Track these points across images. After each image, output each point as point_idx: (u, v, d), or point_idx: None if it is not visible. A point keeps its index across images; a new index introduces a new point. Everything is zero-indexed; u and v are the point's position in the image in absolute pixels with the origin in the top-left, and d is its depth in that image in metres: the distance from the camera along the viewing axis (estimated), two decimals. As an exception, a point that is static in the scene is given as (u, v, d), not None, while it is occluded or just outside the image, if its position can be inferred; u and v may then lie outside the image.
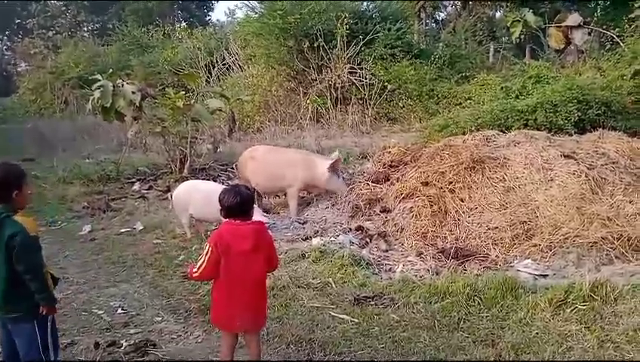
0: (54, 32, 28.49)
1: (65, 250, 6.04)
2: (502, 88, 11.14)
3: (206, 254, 3.04)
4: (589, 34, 16.09)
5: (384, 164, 7.48)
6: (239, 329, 3.20)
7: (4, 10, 36.29)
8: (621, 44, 13.59)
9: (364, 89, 12.67)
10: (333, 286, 4.71)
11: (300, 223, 6.62)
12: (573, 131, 8.34)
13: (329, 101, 12.80)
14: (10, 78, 27.28)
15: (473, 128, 8.59)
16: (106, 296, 4.79)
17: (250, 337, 3.25)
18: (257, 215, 6.03)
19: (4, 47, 39.01)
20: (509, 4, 19.00)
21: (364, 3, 15.04)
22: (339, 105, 12.92)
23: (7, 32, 38.15)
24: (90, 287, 4.99)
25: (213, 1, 40.85)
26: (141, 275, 5.29)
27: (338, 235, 6.00)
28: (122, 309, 4.50)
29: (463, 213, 5.84)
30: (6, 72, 32.85)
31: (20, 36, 33.21)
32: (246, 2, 14.70)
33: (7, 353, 2.92)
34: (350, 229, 6.15)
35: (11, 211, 2.75)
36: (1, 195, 2.75)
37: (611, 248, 5.02)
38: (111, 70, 10.04)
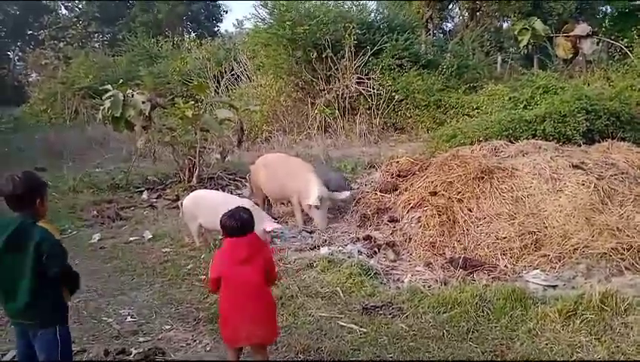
0: (65, 43, 28.74)
1: (75, 259, 6.05)
2: (510, 98, 11.12)
3: (210, 269, 3.23)
4: (598, 44, 16.07)
5: (392, 174, 7.50)
6: (246, 341, 3.22)
7: (16, 21, 36.84)
8: (630, 54, 13.57)
9: (371, 99, 12.70)
10: (342, 295, 4.72)
11: (307, 232, 6.63)
12: (581, 141, 8.32)
13: (337, 111, 12.84)
14: (22, 88, 27.55)
15: (481, 138, 8.59)
16: (115, 304, 4.82)
17: (257, 349, 3.27)
18: (268, 223, 6.09)
19: (16, 57, 39.51)
20: (516, 14, 19.02)
21: (372, 14, 15.11)
22: (347, 115, 12.95)
23: (19, 43, 38.64)
24: (100, 295, 5.03)
25: (223, 2, 40.75)
26: (150, 284, 5.32)
27: (346, 245, 6.02)
28: (131, 317, 4.53)
29: (472, 223, 5.83)
30: (17, 82, 33.19)
31: (31, 47, 33.61)
32: (255, 9, 14.71)
33: (22, 359, 2.95)
34: (358, 239, 6.16)
35: (34, 219, 2.79)
36: (25, 204, 2.79)
37: (621, 259, 4.99)
38: (121, 80, 10.15)
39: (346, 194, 7.05)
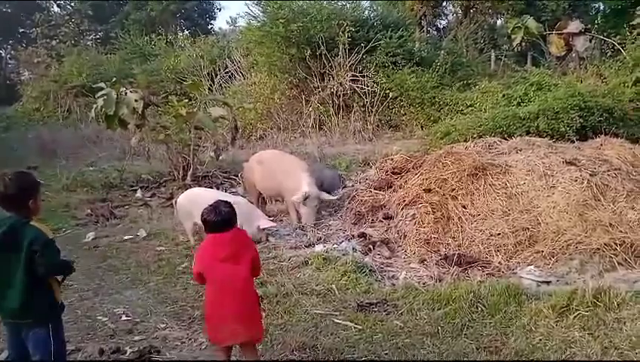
0: (58, 40, 28.60)
1: (69, 258, 6.03)
2: (503, 95, 11.16)
3: (194, 264, 3.22)
4: (590, 41, 16.13)
5: (386, 171, 7.51)
6: (231, 340, 3.19)
7: (8, 19, 36.55)
8: (622, 51, 13.63)
9: (366, 96, 12.71)
10: (337, 292, 4.72)
11: (302, 230, 6.63)
12: (575, 138, 8.37)
13: (331, 108, 12.84)
14: (14, 86, 27.35)
15: (475, 135, 8.63)
16: (109, 302, 4.80)
17: (246, 348, 3.25)
18: (263, 221, 6.09)
19: (8, 55, 39.19)
20: (509, 12, 19.10)
21: (366, 11, 15.11)
22: (341, 113, 12.95)
23: (10, 41, 38.28)
24: (94, 294, 5.01)
25: (217, 2, 40.37)
26: (145, 282, 5.30)
27: (341, 242, 6.02)
28: (126, 316, 4.51)
29: (466, 219, 5.85)
30: (9, 80, 32.99)
31: (23, 45, 33.31)
32: (248, 7, 14.68)
33: (15, 358, 2.94)
34: (353, 236, 6.16)
35: (27, 219, 2.78)
36: (18, 204, 2.78)
37: (614, 254, 5.03)
38: (114, 78, 10.09)
39: (334, 196, 7.03)
